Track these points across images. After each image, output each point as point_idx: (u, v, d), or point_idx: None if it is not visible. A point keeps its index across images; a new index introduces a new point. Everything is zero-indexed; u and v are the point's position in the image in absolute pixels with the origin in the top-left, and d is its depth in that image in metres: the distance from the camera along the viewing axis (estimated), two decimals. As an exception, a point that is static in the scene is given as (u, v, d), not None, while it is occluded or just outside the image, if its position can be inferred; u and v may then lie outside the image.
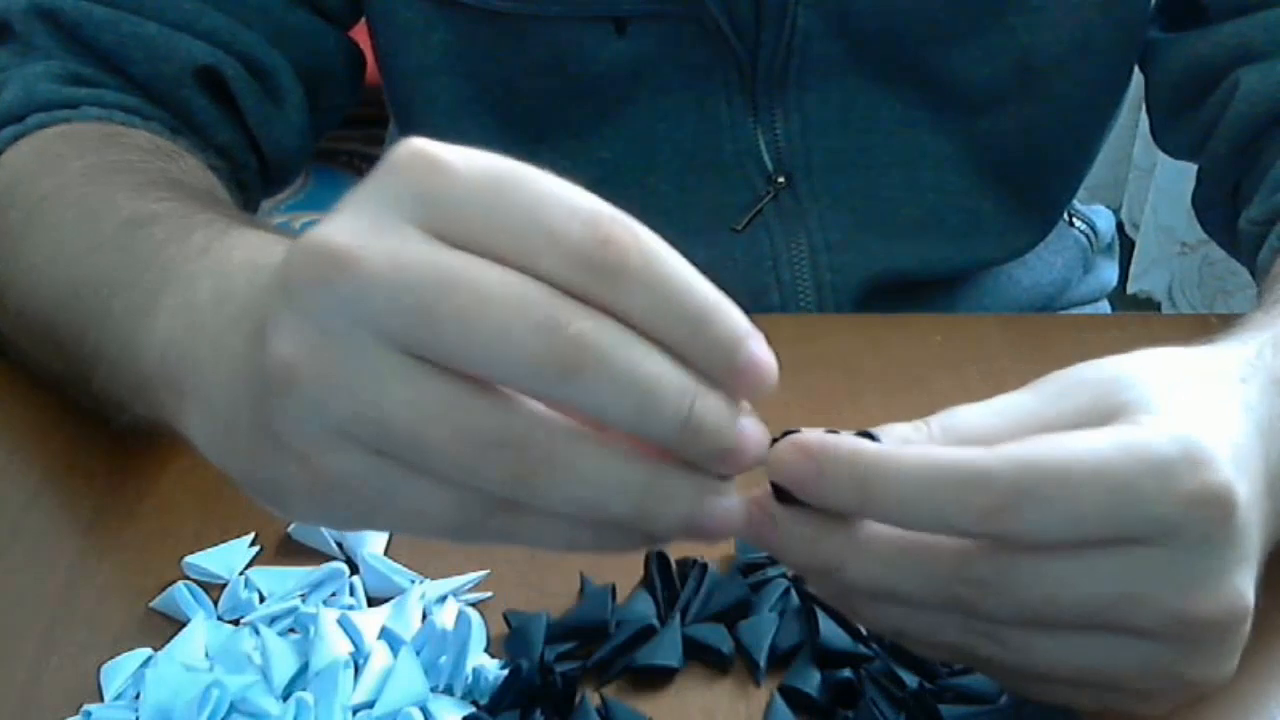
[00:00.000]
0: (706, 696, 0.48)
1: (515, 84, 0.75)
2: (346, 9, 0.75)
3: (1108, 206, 0.96)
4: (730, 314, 0.35)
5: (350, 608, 0.50)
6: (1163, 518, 0.38)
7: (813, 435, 0.38)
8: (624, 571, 0.52)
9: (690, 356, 0.35)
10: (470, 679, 0.47)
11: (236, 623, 0.50)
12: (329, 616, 0.49)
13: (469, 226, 0.34)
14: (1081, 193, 0.86)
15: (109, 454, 0.59)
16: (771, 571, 0.52)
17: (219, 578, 0.53)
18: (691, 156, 0.76)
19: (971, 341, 0.68)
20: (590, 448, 0.35)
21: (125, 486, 0.57)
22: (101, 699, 0.47)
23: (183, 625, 0.50)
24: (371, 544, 0.53)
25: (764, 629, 0.49)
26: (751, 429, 0.37)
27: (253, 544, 0.54)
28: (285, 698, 0.46)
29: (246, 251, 0.44)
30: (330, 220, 0.35)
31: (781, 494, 0.39)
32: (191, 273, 0.46)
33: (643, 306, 0.34)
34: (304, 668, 0.47)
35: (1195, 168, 0.77)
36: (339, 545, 0.54)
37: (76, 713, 0.47)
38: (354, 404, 0.34)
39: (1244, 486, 0.40)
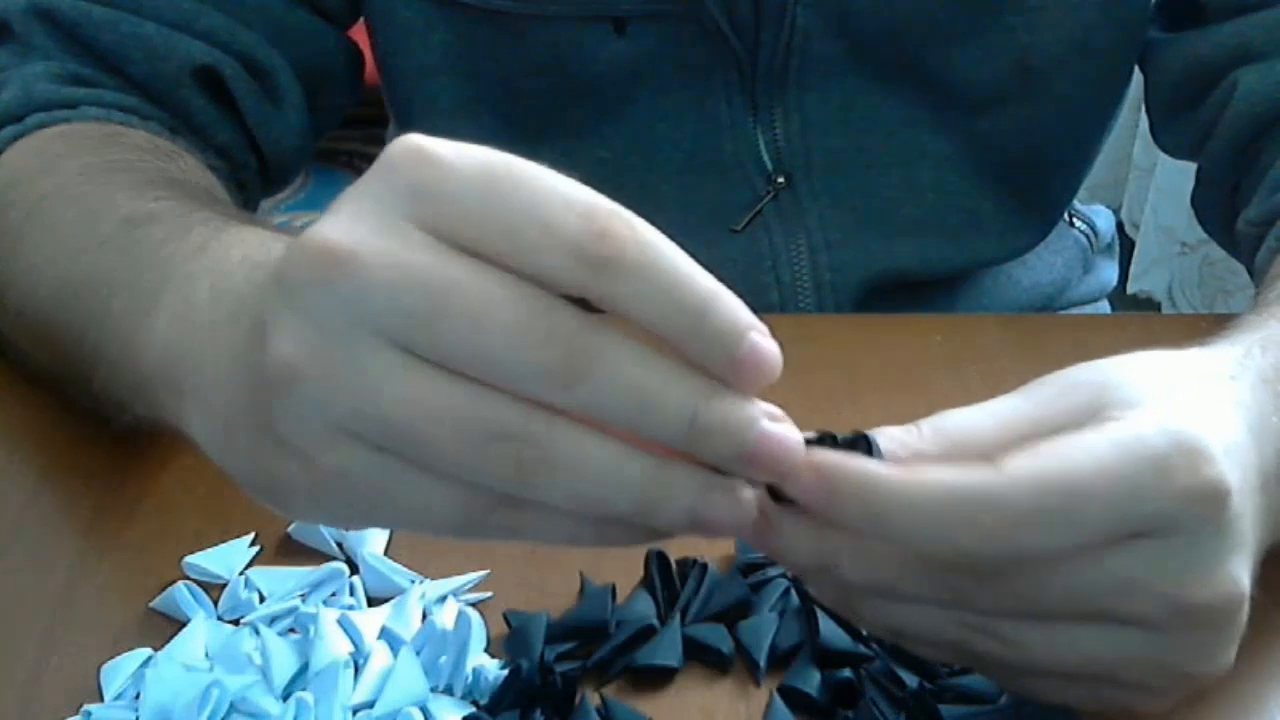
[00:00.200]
0: (706, 696, 0.48)
1: (515, 84, 0.75)
2: (346, 9, 0.75)
3: (1108, 206, 0.96)
4: (730, 305, 0.35)
5: (350, 608, 0.50)
6: (1160, 511, 0.39)
7: (827, 456, 0.38)
8: (624, 571, 0.52)
9: (691, 350, 0.35)
10: (470, 679, 0.47)
11: (236, 623, 0.50)
12: (329, 616, 0.49)
13: (465, 223, 0.34)
14: (1081, 193, 0.86)
15: (109, 454, 0.59)
16: (771, 571, 0.52)
17: (219, 578, 0.53)
18: (691, 156, 0.76)
19: (971, 341, 0.68)
20: (592, 442, 0.35)
21: (125, 486, 0.57)
22: (101, 699, 0.47)
23: (183, 625, 0.50)
24: (371, 544, 0.53)
25: (764, 629, 0.49)
26: (772, 433, 0.36)
27: (253, 544, 0.54)
28: (285, 698, 0.46)
29: (245, 249, 0.44)
30: (328, 218, 0.35)
31: (777, 493, 0.39)
32: (190, 272, 0.46)
33: (641, 299, 0.34)
34: (304, 668, 0.47)
35: (1195, 167, 0.77)
36: (339, 545, 0.54)
37: (76, 713, 0.47)
38: (354, 401, 0.34)
39: (1236, 476, 0.40)
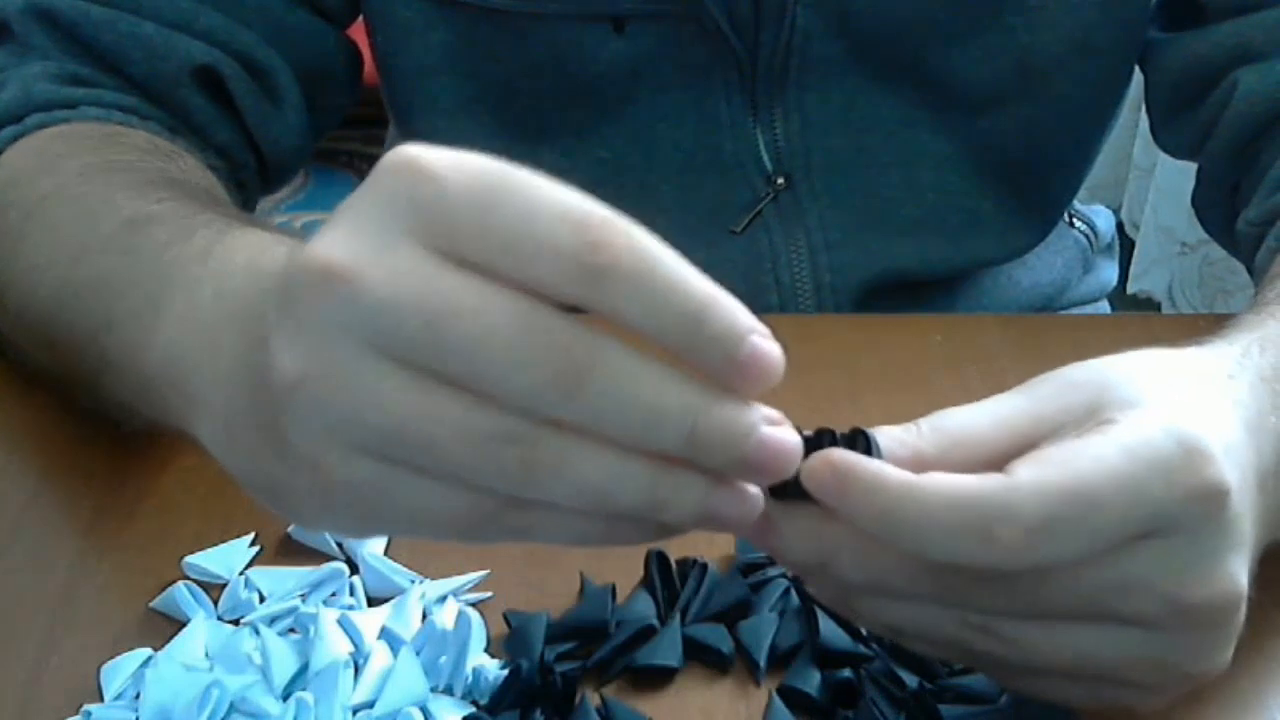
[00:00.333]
0: (706, 696, 0.48)
1: (514, 84, 0.75)
2: (345, 8, 0.75)
3: (1108, 206, 0.96)
4: (728, 310, 0.35)
5: (350, 608, 0.50)
6: (1164, 513, 0.39)
7: (844, 455, 0.38)
8: (624, 571, 0.52)
9: (690, 357, 0.35)
10: (470, 679, 0.47)
11: (236, 623, 0.50)
12: (329, 616, 0.49)
13: (461, 237, 0.34)
14: (1081, 193, 0.86)
15: (109, 454, 0.59)
16: (771, 571, 0.52)
17: (219, 578, 0.53)
18: (691, 156, 0.76)
19: (971, 341, 0.68)
20: (600, 447, 0.35)
21: (125, 486, 0.57)
22: (101, 699, 0.47)
23: (183, 625, 0.50)
24: (371, 544, 0.53)
25: (764, 629, 0.49)
26: (770, 440, 0.36)
27: (253, 544, 0.54)
28: (285, 698, 0.46)
29: (247, 253, 0.44)
30: (326, 234, 0.35)
31: (775, 490, 0.39)
32: (194, 277, 0.46)
33: (637, 308, 0.34)
34: (304, 668, 0.47)
35: (1195, 167, 0.77)
36: (339, 545, 0.54)
37: (76, 713, 0.47)
38: (359, 416, 0.35)
39: (1234, 476, 0.40)
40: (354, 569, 0.53)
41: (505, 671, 0.47)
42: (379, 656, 0.48)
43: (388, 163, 0.35)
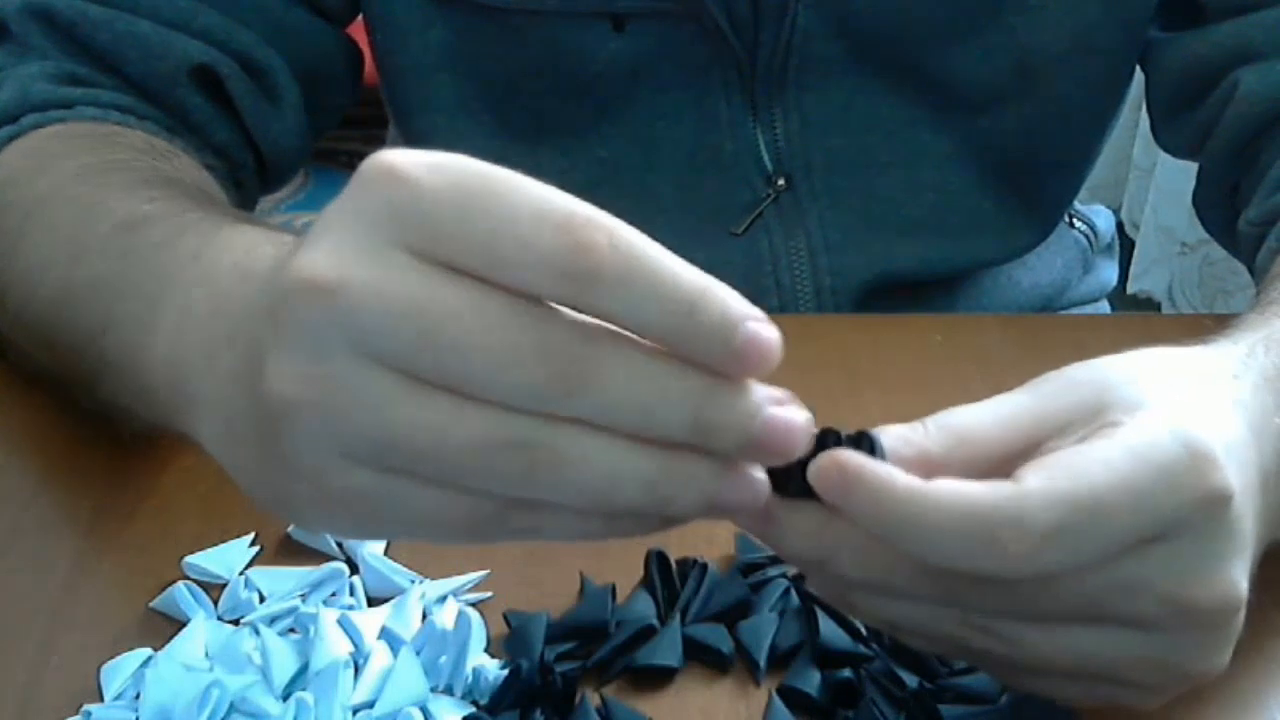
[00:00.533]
0: (706, 696, 0.48)
1: (513, 82, 0.75)
2: (344, 7, 0.75)
3: (1108, 206, 0.96)
4: (719, 298, 0.35)
5: (350, 608, 0.50)
6: (1169, 517, 0.39)
7: (852, 456, 0.38)
8: (624, 571, 0.52)
9: (686, 349, 0.35)
10: (470, 679, 0.47)
11: (236, 623, 0.50)
12: (329, 616, 0.49)
13: (444, 242, 0.34)
14: (1081, 193, 0.86)
15: (109, 454, 0.59)
16: (771, 571, 0.52)
17: (219, 578, 0.53)
18: (691, 155, 0.76)
19: (971, 341, 0.68)
20: (600, 440, 0.35)
21: (125, 486, 0.57)
22: (101, 699, 0.47)
23: (183, 625, 0.50)
24: (371, 544, 0.53)
25: (764, 629, 0.49)
26: (777, 420, 0.36)
27: (253, 544, 0.54)
28: (285, 698, 0.46)
29: (234, 255, 0.44)
30: (310, 247, 0.35)
31: (779, 485, 0.39)
32: (185, 282, 0.46)
33: (627, 307, 0.34)
34: (304, 668, 0.47)
35: (1195, 167, 0.77)
36: (339, 545, 0.54)
37: (76, 713, 0.47)
38: (357, 429, 0.35)
39: (1237, 479, 0.40)
40: (354, 569, 0.53)
41: (505, 671, 0.47)
42: (379, 656, 0.48)
43: (366, 170, 0.35)
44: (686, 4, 0.71)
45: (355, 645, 0.48)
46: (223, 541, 0.54)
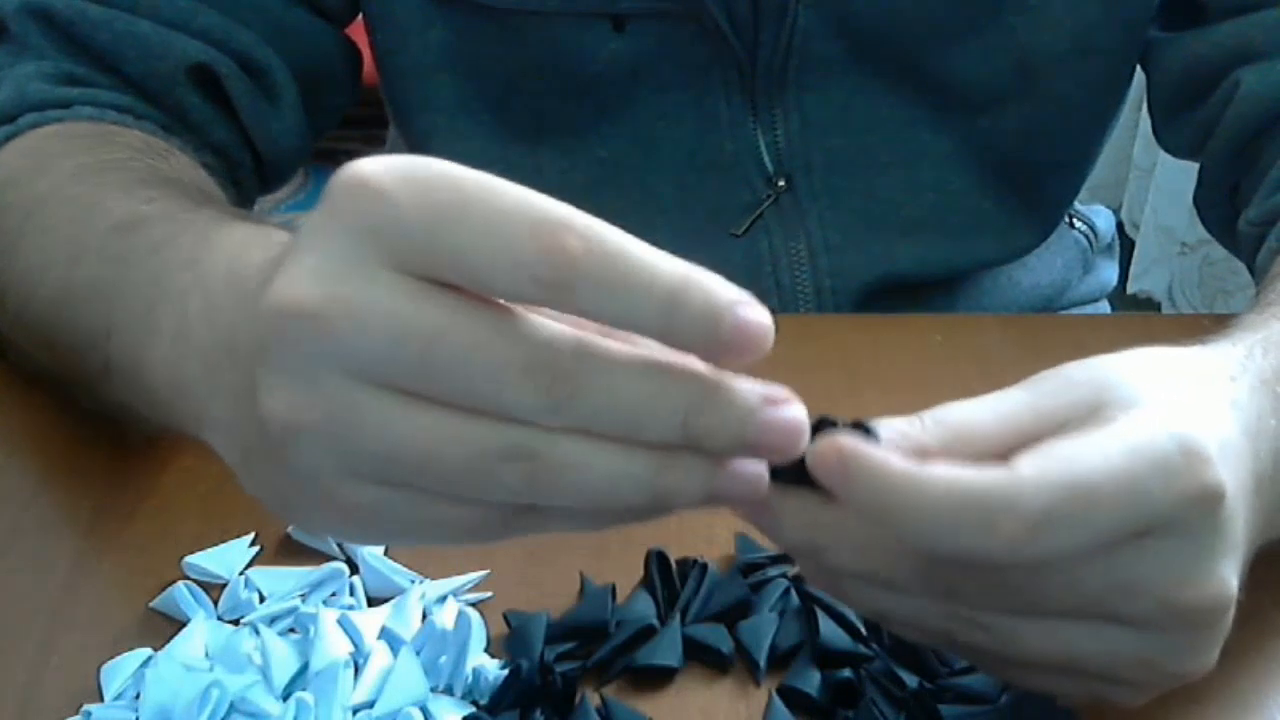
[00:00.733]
0: (706, 696, 0.48)
1: (513, 82, 0.75)
2: (344, 7, 0.75)
3: (1108, 206, 0.96)
4: (701, 289, 0.34)
5: (350, 608, 0.50)
6: (1162, 513, 0.39)
7: (849, 440, 0.38)
8: (624, 571, 0.52)
9: (674, 343, 0.35)
10: (470, 679, 0.47)
11: (236, 623, 0.50)
12: (329, 616, 0.49)
13: (420, 256, 0.34)
14: (1081, 193, 0.86)
15: (109, 454, 0.59)
16: (771, 571, 0.52)
17: (219, 578, 0.53)
18: (691, 156, 0.76)
19: (971, 341, 0.68)
20: (595, 446, 0.35)
21: (125, 486, 0.57)
22: (101, 699, 0.47)
23: (183, 625, 0.50)
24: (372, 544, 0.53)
25: (764, 629, 0.49)
26: (773, 420, 0.36)
27: (253, 544, 0.54)
28: (285, 698, 0.46)
29: (228, 260, 0.44)
30: (292, 269, 0.35)
31: (775, 472, 0.39)
32: (182, 288, 0.46)
33: (607, 307, 0.34)
34: (304, 668, 0.47)
35: (1196, 167, 0.77)
36: (339, 545, 0.54)
37: (76, 713, 0.47)
38: (356, 448, 0.35)
39: (1230, 479, 0.40)
40: (354, 569, 0.53)
41: (505, 671, 0.47)
42: (379, 656, 0.48)
43: (339, 185, 0.35)
44: (686, 4, 0.71)
45: (355, 645, 0.48)
46: (223, 541, 0.54)
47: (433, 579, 0.52)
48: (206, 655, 0.49)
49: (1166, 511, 0.39)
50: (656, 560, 0.52)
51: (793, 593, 0.51)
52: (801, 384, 0.37)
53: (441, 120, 0.77)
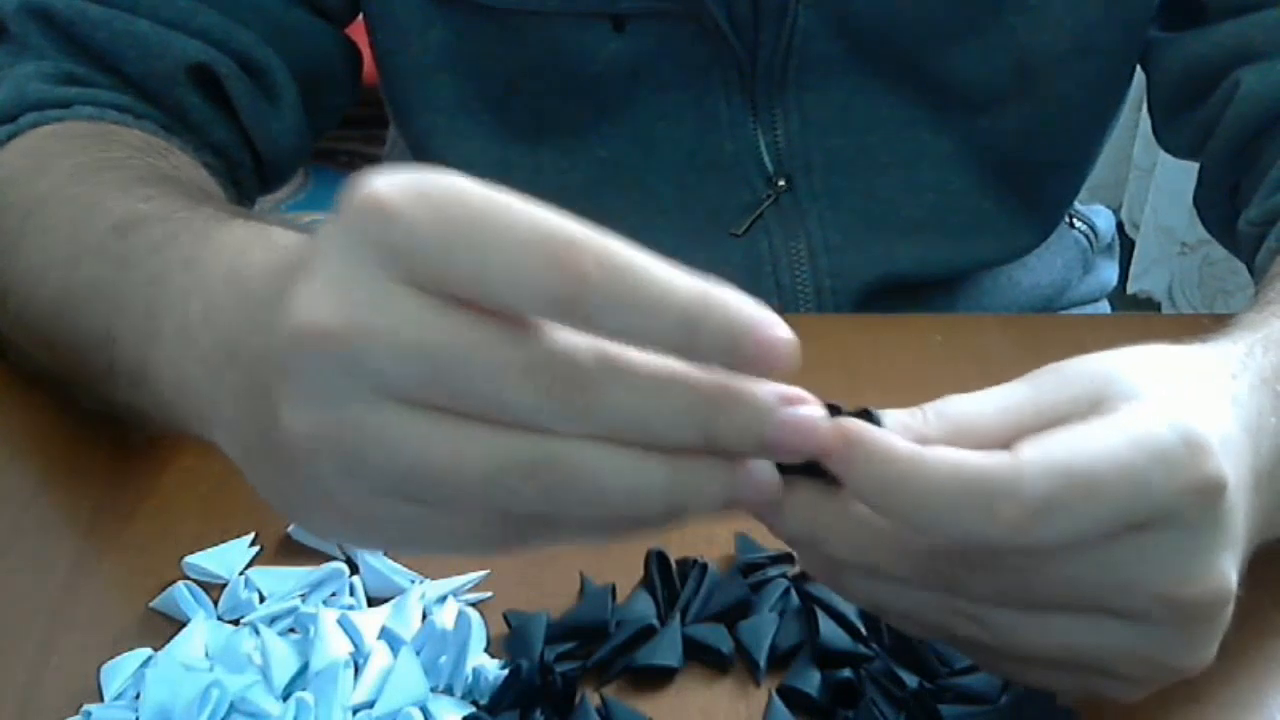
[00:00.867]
0: (706, 696, 0.48)
1: (513, 82, 0.75)
2: (344, 7, 0.75)
3: (1108, 206, 0.96)
4: (722, 308, 0.35)
5: (350, 608, 0.50)
6: (1162, 505, 0.39)
7: (853, 422, 0.38)
8: (624, 571, 0.52)
9: (694, 360, 0.35)
10: (470, 679, 0.47)
11: (236, 623, 0.50)
12: (329, 616, 0.49)
13: (436, 274, 0.34)
14: (1081, 193, 0.86)
15: (109, 454, 0.59)
16: (771, 571, 0.52)
17: (219, 578, 0.53)
18: (691, 156, 0.76)
19: (971, 341, 0.68)
20: (613, 455, 0.35)
21: (125, 486, 0.57)
22: (101, 699, 0.47)
23: (183, 625, 0.50)
24: (371, 544, 0.53)
25: (764, 629, 0.49)
26: (789, 421, 0.36)
27: (253, 544, 0.54)
28: (285, 698, 0.46)
29: (229, 256, 0.44)
30: (308, 290, 0.35)
31: (776, 462, 0.39)
32: (182, 289, 0.46)
33: (625, 326, 0.34)
34: (304, 668, 0.47)
35: (1196, 167, 0.77)
36: (339, 545, 0.54)
37: (76, 713, 0.47)
38: (379, 464, 0.35)
39: (1230, 472, 0.40)
40: (354, 569, 0.53)
41: (505, 671, 0.47)
42: (379, 656, 0.48)
43: (349, 206, 0.34)
44: (686, 4, 0.71)
45: (355, 645, 0.48)
46: (223, 541, 0.54)
47: (433, 579, 0.52)
48: (206, 655, 0.49)
49: (1167, 502, 0.39)
50: (656, 560, 0.52)
51: (793, 593, 0.51)
52: (802, 384, 0.37)
53: (441, 120, 0.77)
